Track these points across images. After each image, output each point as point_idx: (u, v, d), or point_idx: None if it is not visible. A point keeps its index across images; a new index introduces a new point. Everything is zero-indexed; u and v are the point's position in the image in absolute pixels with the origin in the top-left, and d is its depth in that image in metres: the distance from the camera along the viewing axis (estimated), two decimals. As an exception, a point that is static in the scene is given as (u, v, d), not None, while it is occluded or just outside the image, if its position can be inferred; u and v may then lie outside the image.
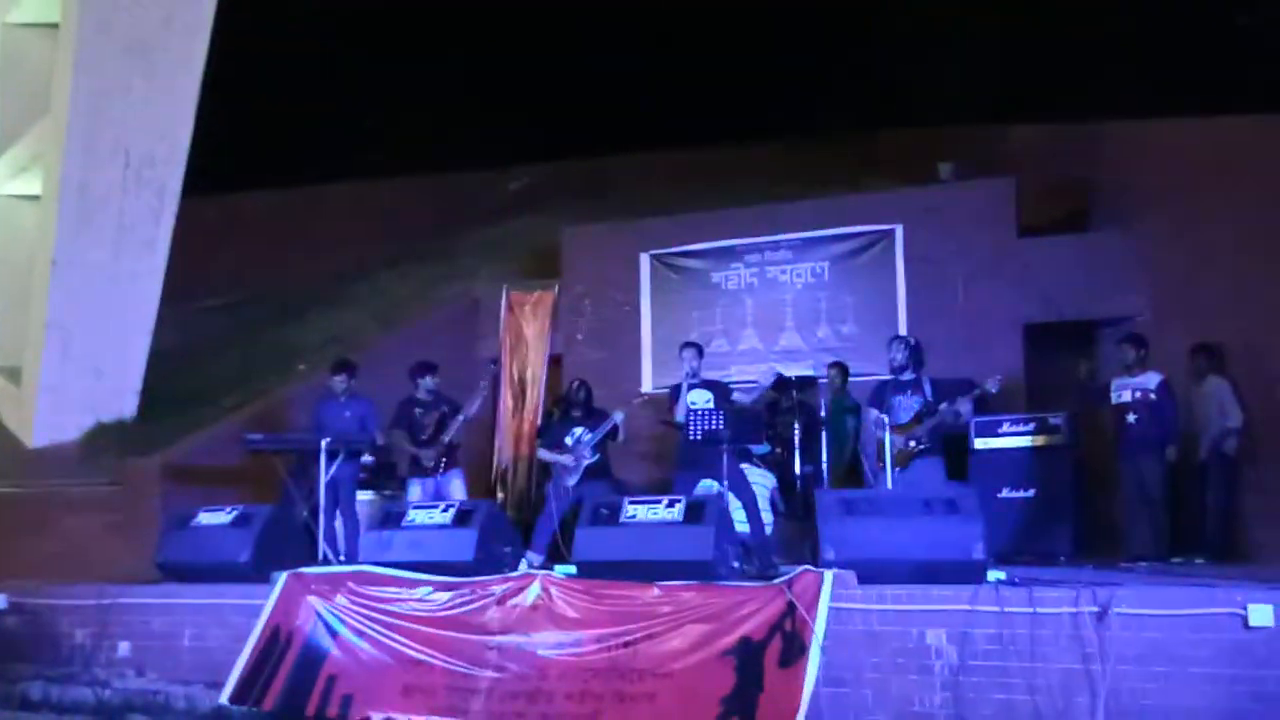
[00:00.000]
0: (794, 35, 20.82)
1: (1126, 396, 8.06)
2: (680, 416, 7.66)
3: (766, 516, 7.97)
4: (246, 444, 7.89)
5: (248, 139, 19.11)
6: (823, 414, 9.62)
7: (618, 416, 8.11)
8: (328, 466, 7.70)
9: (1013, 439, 8.66)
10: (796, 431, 9.49)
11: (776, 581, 5.45)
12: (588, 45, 21.44)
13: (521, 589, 5.93)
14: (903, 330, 10.01)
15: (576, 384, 8.52)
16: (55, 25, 10.96)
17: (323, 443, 7.68)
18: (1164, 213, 9.56)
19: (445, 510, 6.76)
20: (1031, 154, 12.25)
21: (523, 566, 6.79)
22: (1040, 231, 10.61)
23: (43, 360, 10.36)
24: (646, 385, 11.14)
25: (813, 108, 18.61)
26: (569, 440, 8.13)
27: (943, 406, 7.48)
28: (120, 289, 10.53)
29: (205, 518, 7.25)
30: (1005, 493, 8.51)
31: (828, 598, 5.24)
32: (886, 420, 7.57)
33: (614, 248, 11.76)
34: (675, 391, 7.96)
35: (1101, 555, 8.04)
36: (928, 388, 7.68)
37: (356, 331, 12.11)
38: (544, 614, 5.79)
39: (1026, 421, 8.70)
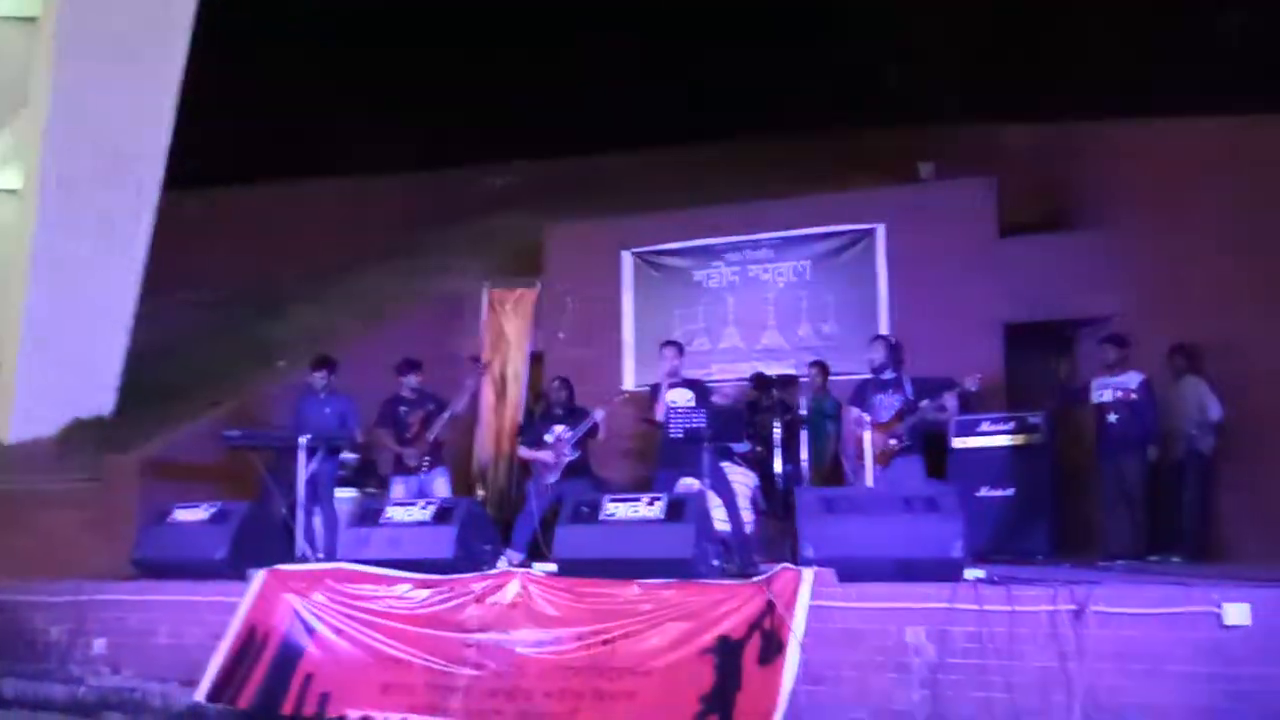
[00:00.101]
0: (777, 34, 20.85)
1: (1107, 396, 8.10)
2: (661, 415, 7.66)
3: (747, 515, 7.98)
4: (225, 440, 7.84)
5: (229, 133, 18.99)
6: (803, 413, 9.64)
7: (598, 414, 8.11)
8: (307, 463, 7.67)
9: (992, 438, 8.71)
10: (777, 430, 9.49)
11: (756, 580, 5.45)
12: (571, 42, 21.44)
13: (501, 586, 5.91)
14: (884, 329, 10.05)
15: (557, 382, 8.52)
16: (34, 19, 10.89)
17: (302, 439, 7.65)
18: (1143, 213, 9.62)
19: (424, 508, 6.73)
20: (1012, 154, 12.28)
21: (502, 564, 6.77)
22: (1021, 231, 10.66)
23: (20, 355, 10.28)
24: (628, 383, 11.14)
25: (795, 106, 18.61)
26: (549, 438, 8.12)
27: (924, 403, 7.49)
28: (99, 284, 10.46)
29: (182, 514, 7.19)
30: (984, 491, 8.56)
31: (807, 596, 5.24)
32: (867, 419, 7.59)
33: (596, 245, 11.75)
34: (656, 390, 7.95)
35: (1079, 554, 8.09)
36: (908, 386, 7.70)
37: (337, 328, 12.05)
38: (523, 612, 5.77)
39: (1006, 420, 8.76)
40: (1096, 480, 8.32)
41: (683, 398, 7.78)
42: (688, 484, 7.38)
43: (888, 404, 7.67)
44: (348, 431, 8.35)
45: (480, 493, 11.15)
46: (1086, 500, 8.69)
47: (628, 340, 11.39)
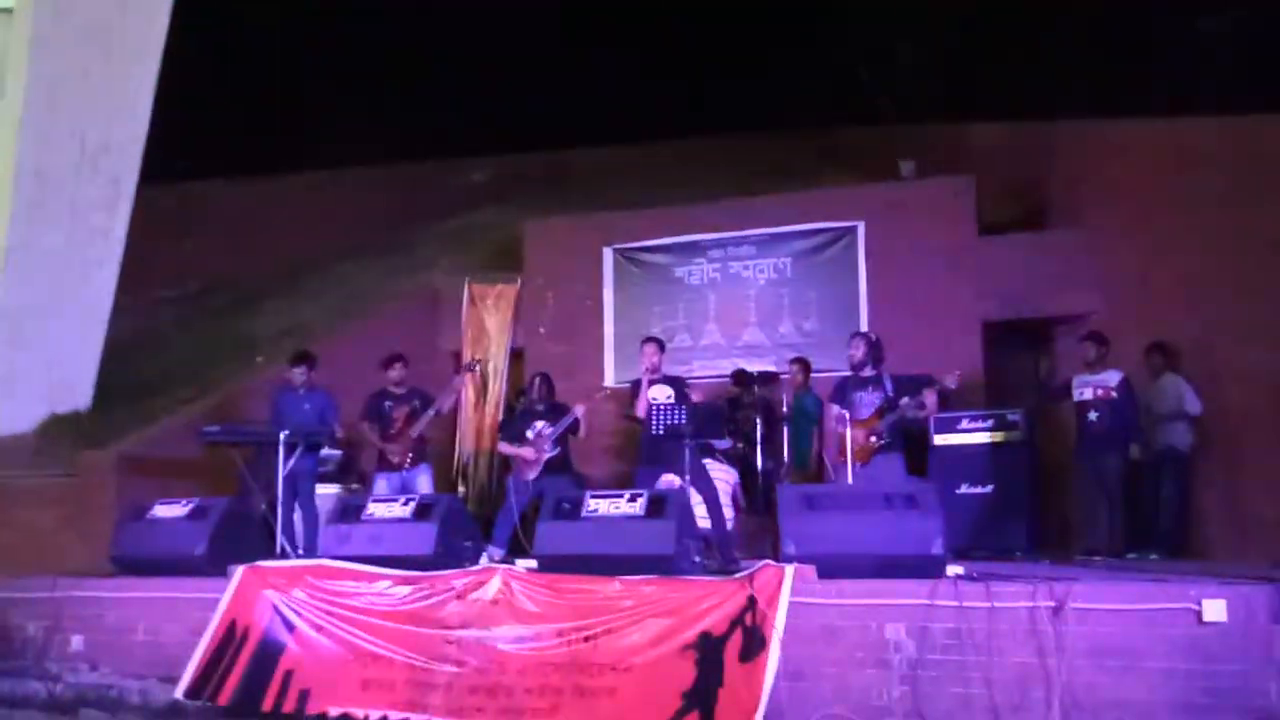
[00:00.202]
0: (757, 31, 20.89)
1: (1088, 394, 8.16)
2: (642, 411, 7.67)
3: (728, 511, 8.00)
4: (203, 436, 7.79)
5: (207, 127, 18.88)
6: (785, 410, 9.68)
7: (579, 410, 8.10)
8: (286, 459, 7.63)
9: (971, 435, 8.76)
10: (758, 427, 9.53)
11: (737, 576, 5.46)
12: (553, 37, 21.41)
13: (482, 583, 5.89)
14: (864, 326, 10.09)
15: (538, 378, 8.51)
16: (10, 10, 10.77)
17: (281, 435, 7.61)
18: (1120, 212, 9.69)
19: (405, 504, 6.71)
20: (991, 153, 12.36)
21: (483, 560, 6.77)
22: (999, 230, 10.73)
23: (-6, 350, 10.19)
24: (608, 379, 11.14)
25: (776, 104, 18.67)
26: (530, 434, 8.11)
27: (904, 400, 7.53)
28: (75, 278, 10.37)
29: (161, 510, 7.14)
30: (964, 488, 8.61)
31: (788, 592, 5.25)
32: (848, 416, 7.61)
33: (577, 241, 11.74)
34: (637, 386, 7.95)
35: (1057, 550, 8.15)
36: (888, 384, 7.72)
37: (315, 323, 12.01)
38: (504, 608, 5.76)
39: (985, 418, 8.81)
40: (1075, 477, 8.38)
41: (663, 394, 7.79)
42: (669, 480, 7.39)
43: (868, 401, 7.69)
44: (327, 427, 8.32)
45: (461, 489, 11.14)
46: (1065, 497, 8.77)
47: (608, 336, 11.38)
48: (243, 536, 7.10)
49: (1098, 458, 8.03)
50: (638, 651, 5.36)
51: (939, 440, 8.82)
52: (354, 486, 9.54)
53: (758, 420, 9.54)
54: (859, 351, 7.84)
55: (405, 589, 6.06)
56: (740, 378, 9.98)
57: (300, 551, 7.83)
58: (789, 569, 5.35)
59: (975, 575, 5.35)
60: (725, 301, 11.11)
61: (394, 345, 9.13)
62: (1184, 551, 7.83)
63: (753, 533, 8.57)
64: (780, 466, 9.52)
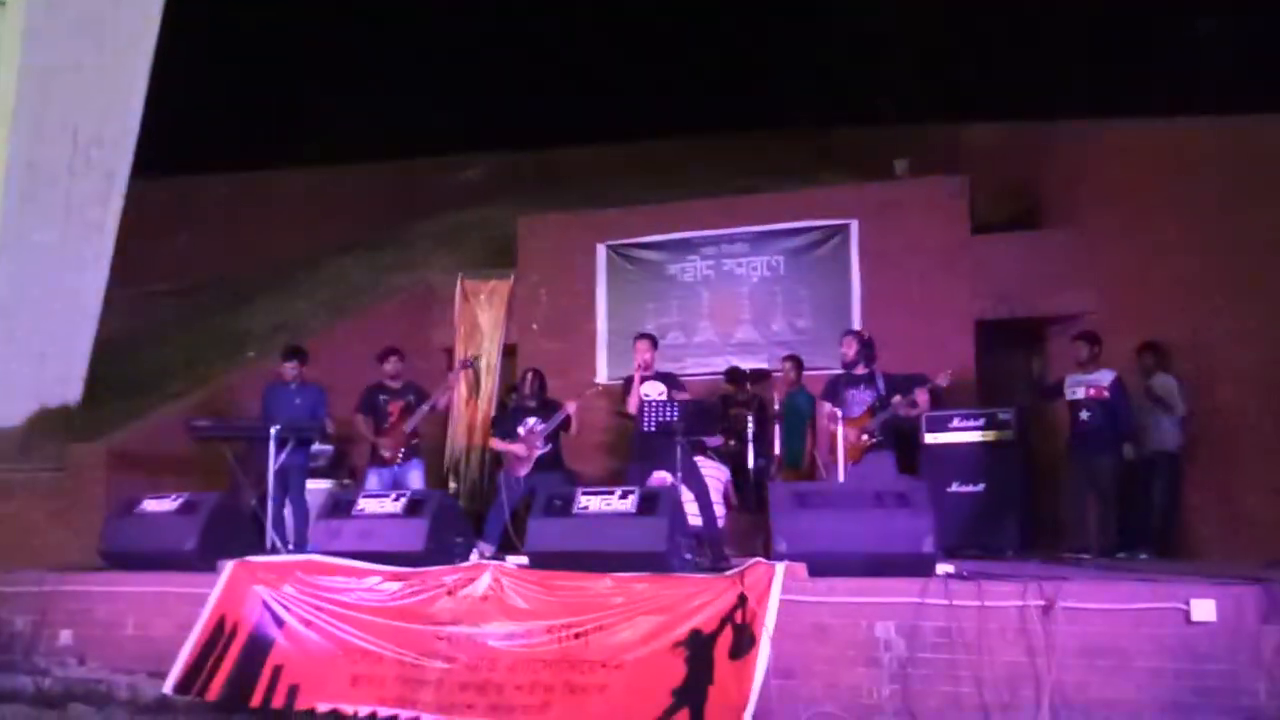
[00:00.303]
0: (752, 29, 20.89)
1: (1080, 393, 8.17)
2: (634, 408, 7.66)
3: (719, 509, 7.99)
4: (193, 430, 7.79)
5: (200, 121, 18.83)
6: (777, 407, 9.68)
7: (570, 407, 8.09)
8: (277, 454, 7.63)
9: (963, 434, 8.76)
10: (750, 424, 9.53)
11: (728, 574, 5.46)
12: (547, 35, 21.39)
13: (472, 579, 5.88)
14: (857, 324, 10.09)
15: (530, 374, 8.49)
16: (2, 2, 10.71)
17: (272, 430, 7.60)
18: (1113, 212, 9.70)
19: (396, 499, 6.71)
20: (985, 152, 12.37)
21: (474, 557, 6.75)
22: (992, 229, 10.73)
23: (-16, 344, 10.15)
24: (601, 376, 11.11)
25: (770, 102, 18.67)
26: (522, 430, 8.10)
27: (896, 399, 7.54)
28: (66, 272, 10.30)
29: (150, 505, 7.12)
30: (955, 487, 8.61)
31: (778, 590, 5.25)
32: (840, 414, 7.62)
33: (570, 238, 11.73)
34: (629, 383, 7.94)
35: (1048, 550, 8.16)
36: (880, 382, 7.74)
37: (308, 318, 11.99)
38: (495, 604, 5.75)
39: (977, 417, 8.81)
40: (1067, 477, 8.39)
41: (656, 391, 7.78)
42: (660, 478, 7.39)
43: (860, 399, 7.71)
44: (318, 422, 8.31)
45: (453, 485, 11.12)
46: (1057, 497, 8.78)
47: (601, 333, 11.37)
48: (233, 531, 7.09)
49: (1089, 457, 8.04)
50: (628, 648, 5.36)
51: (930, 439, 8.82)
52: (345, 482, 9.53)
53: (750, 418, 9.55)
54: (851, 350, 7.85)
55: (396, 585, 6.05)
56: (733, 375, 9.99)
57: (290, 547, 7.83)
58: (780, 567, 5.35)
59: (966, 574, 5.35)
60: (718, 299, 11.10)
61: (387, 341, 9.11)
62: (1174, 551, 7.84)
63: (744, 530, 8.57)
64: (772, 464, 9.52)
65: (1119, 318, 9.22)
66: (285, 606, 6.17)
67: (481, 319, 11.80)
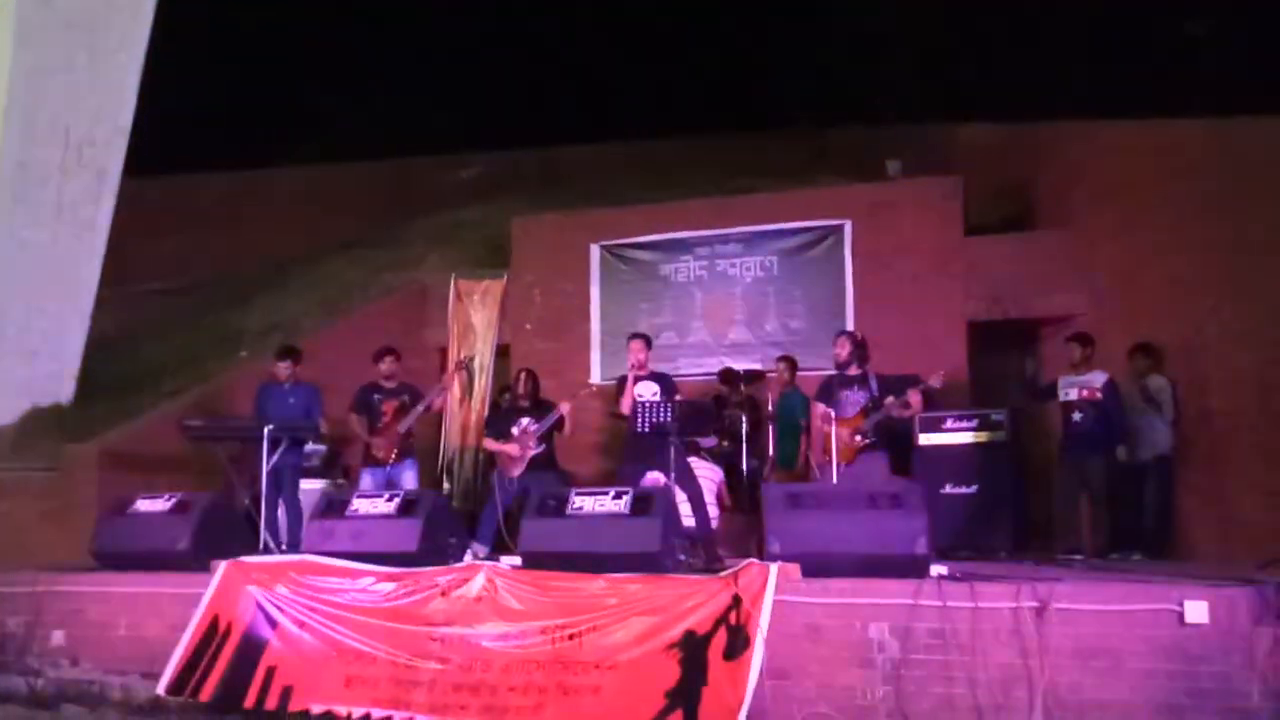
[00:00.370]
0: (747, 30, 20.89)
1: (1073, 395, 8.17)
2: (627, 408, 7.66)
3: (712, 510, 7.99)
4: (187, 430, 7.77)
5: (193, 120, 18.78)
6: (770, 408, 9.68)
7: (564, 407, 8.09)
8: (270, 454, 7.61)
9: (956, 435, 8.76)
10: (744, 425, 9.53)
11: (722, 575, 5.46)
12: (542, 35, 21.37)
13: (466, 580, 5.88)
14: (850, 325, 10.10)
15: (523, 374, 8.48)
16: (-6, 1, 10.69)
17: (265, 430, 7.59)
18: (1107, 213, 9.72)
19: (390, 500, 6.70)
20: (979, 154, 12.39)
21: (468, 557, 6.74)
22: (986, 230, 10.75)
23: (-24, 342, 10.12)
24: (595, 376, 11.13)
25: (764, 103, 18.67)
26: (515, 431, 8.10)
27: (889, 400, 7.54)
28: (59, 270, 10.29)
29: (143, 505, 7.10)
30: (948, 488, 8.61)
31: (772, 591, 5.26)
32: (833, 415, 7.62)
33: (564, 238, 11.73)
34: (623, 382, 7.94)
35: (1041, 551, 8.16)
36: (874, 383, 7.74)
37: (301, 318, 11.97)
38: (488, 605, 5.75)
39: (970, 418, 8.81)
40: (1059, 478, 8.40)
41: (649, 391, 7.78)
42: (654, 478, 7.38)
43: (853, 400, 7.71)
44: (311, 422, 8.30)
45: (446, 485, 11.12)
46: (1050, 497, 8.77)
47: (595, 333, 11.37)
48: (226, 532, 7.07)
49: (1082, 458, 8.04)
50: (622, 649, 5.36)
51: (924, 440, 8.83)
52: (339, 482, 9.51)
53: (743, 419, 9.55)
54: (844, 351, 7.85)
55: (389, 585, 6.04)
56: (727, 376, 9.99)
57: (284, 547, 7.81)
58: (773, 568, 5.36)
59: (959, 575, 5.36)
60: (712, 299, 11.11)
61: (381, 341, 9.10)
62: (1167, 553, 7.85)
63: (738, 531, 8.57)
64: (765, 465, 9.52)
65: (1112, 319, 9.24)
66: (279, 607, 6.16)
67: (475, 319, 11.79)
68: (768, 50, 20.63)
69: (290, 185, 18.17)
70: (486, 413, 11.07)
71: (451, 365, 10.16)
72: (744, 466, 9.44)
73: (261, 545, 7.44)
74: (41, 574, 6.86)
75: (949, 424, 8.81)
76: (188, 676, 5.98)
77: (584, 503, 6.04)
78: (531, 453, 8.00)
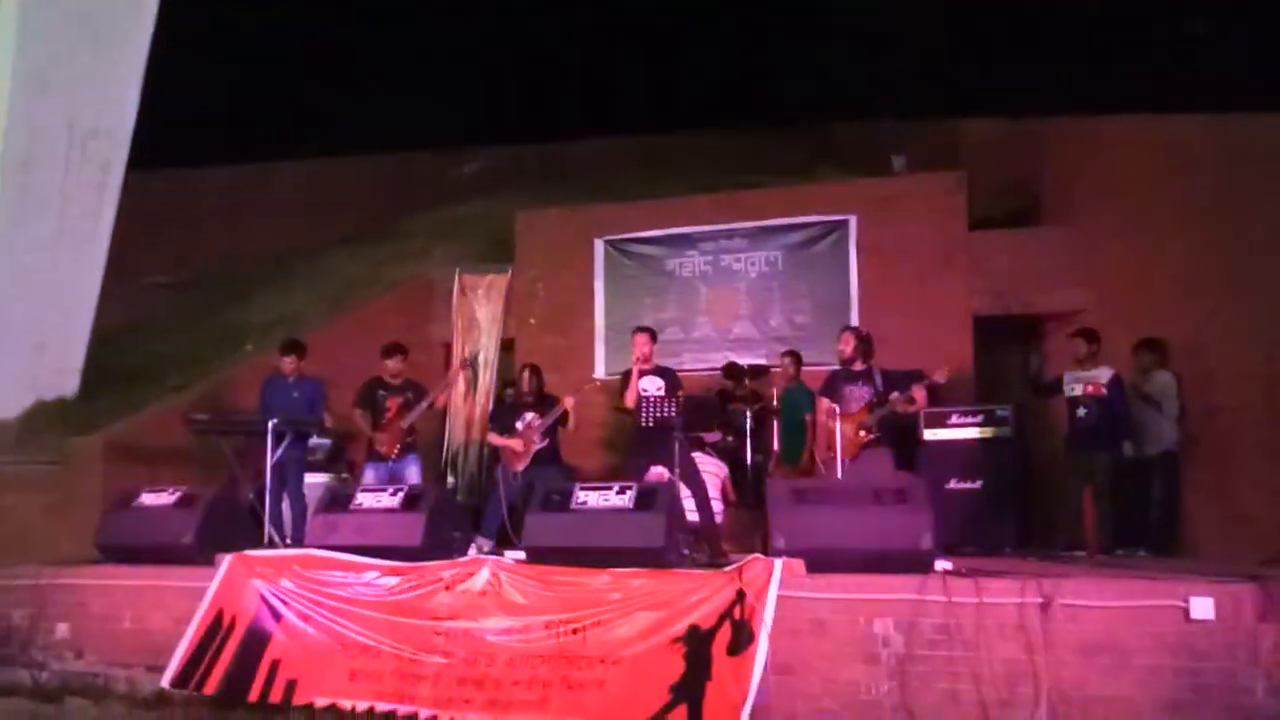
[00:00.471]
0: (751, 25, 20.86)
1: (1078, 390, 8.17)
2: (632, 402, 7.66)
3: (717, 505, 7.99)
4: (191, 424, 7.77)
5: (198, 113, 18.79)
6: (775, 403, 9.67)
7: (568, 402, 8.09)
8: (275, 448, 7.62)
9: (961, 430, 8.73)
10: (748, 420, 9.52)
11: (726, 570, 5.45)
12: (547, 29, 21.35)
13: (470, 574, 5.88)
14: (855, 321, 10.08)
15: (527, 369, 8.48)
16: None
17: (270, 423, 7.59)
18: (1111, 209, 9.71)
19: (394, 494, 6.69)
20: (983, 149, 12.37)
21: (472, 552, 6.76)
22: (991, 225, 10.73)
23: (-19, 336, 10.12)
24: (599, 371, 11.12)
25: (769, 97, 18.66)
26: (519, 425, 8.10)
27: (894, 395, 7.54)
28: (63, 264, 10.28)
29: (148, 498, 7.11)
30: (953, 484, 8.58)
31: (776, 586, 5.25)
32: (838, 410, 7.61)
33: (568, 233, 11.72)
34: (627, 376, 7.94)
35: (1046, 546, 8.16)
36: (878, 378, 7.74)
37: (306, 312, 11.96)
38: (493, 599, 5.75)
39: (975, 413, 8.78)
40: (1064, 473, 8.39)
41: (654, 386, 7.78)
42: (658, 473, 7.38)
43: (858, 395, 7.71)
44: (316, 416, 8.30)
45: (450, 479, 11.12)
46: (1055, 493, 8.77)
47: (599, 328, 11.36)
48: (230, 525, 7.08)
49: (1087, 454, 8.03)
50: (626, 644, 5.36)
51: (928, 435, 8.80)
52: (343, 476, 9.52)
53: (748, 414, 9.54)
54: (849, 346, 7.86)
55: (393, 579, 6.05)
56: (732, 371, 9.98)
57: (288, 541, 7.82)
58: (778, 563, 5.36)
59: (964, 571, 5.36)
60: (716, 294, 11.10)
61: (386, 335, 9.10)
62: (1172, 549, 7.85)
63: (742, 526, 8.57)
64: (770, 460, 9.52)
65: (1117, 315, 9.22)
66: (283, 600, 6.17)
67: (479, 314, 11.78)
68: (769, 49, 20.62)
69: (292, 180, 18.17)
70: (491, 407, 11.07)
71: (456, 363, 10.15)
72: (748, 461, 9.44)
73: (266, 539, 7.43)
74: (46, 567, 6.87)
75: (954, 419, 8.78)
76: (192, 670, 5.99)
77: (588, 497, 6.04)
78: (536, 447, 8.01)
